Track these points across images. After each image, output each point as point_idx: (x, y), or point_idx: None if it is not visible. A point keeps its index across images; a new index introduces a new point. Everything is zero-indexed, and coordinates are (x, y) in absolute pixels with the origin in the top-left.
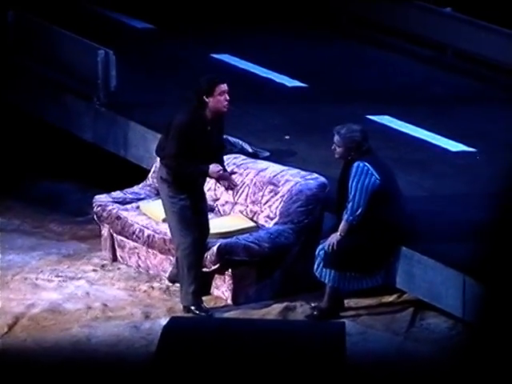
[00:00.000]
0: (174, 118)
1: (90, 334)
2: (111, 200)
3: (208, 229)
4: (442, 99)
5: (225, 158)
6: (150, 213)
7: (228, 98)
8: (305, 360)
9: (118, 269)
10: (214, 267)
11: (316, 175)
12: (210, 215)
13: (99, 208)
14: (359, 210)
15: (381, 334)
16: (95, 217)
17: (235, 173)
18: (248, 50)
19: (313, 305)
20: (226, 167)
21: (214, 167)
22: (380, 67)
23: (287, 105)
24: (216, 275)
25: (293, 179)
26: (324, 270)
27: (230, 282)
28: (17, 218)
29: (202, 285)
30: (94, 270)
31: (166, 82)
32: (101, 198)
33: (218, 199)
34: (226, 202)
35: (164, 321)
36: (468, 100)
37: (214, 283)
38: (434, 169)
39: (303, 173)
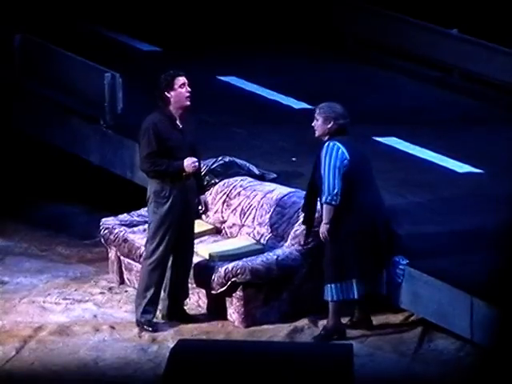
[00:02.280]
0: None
1: (97, 357)
2: (118, 223)
3: (189, 251)
4: (449, 120)
5: (232, 180)
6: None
7: (189, 89)
8: (313, 382)
9: (126, 291)
10: (221, 289)
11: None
12: (217, 237)
13: (106, 231)
14: (335, 190)
15: (388, 355)
16: (102, 239)
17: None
18: (254, 72)
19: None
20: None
21: (188, 160)
22: (387, 89)
23: (294, 127)
24: (224, 297)
25: (300, 201)
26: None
27: (238, 304)
28: (24, 240)
29: (155, 301)
30: (102, 293)
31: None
32: (108, 221)
33: (225, 221)
34: (234, 224)
35: (171, 343)
36: (475, 121)
37: (221, 305)
38: (441, 190)
39: None
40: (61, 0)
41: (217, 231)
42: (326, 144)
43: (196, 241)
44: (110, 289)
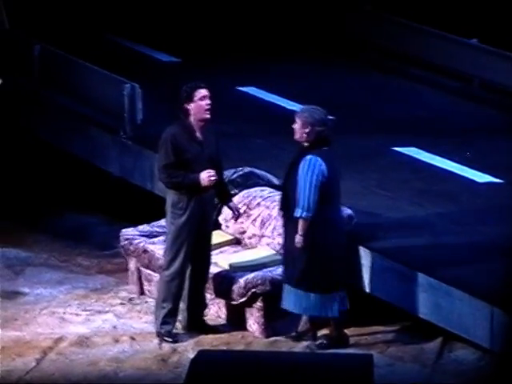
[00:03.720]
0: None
1: (117, 368)
2: (138, 233)
3: (206, 263)
4: (469, 130)
5: (251, 190)
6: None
7: (209, 102)
8: None
9: (146, 302)
10: (241, 300)
11: (343, 207)
12: (237, 248)
13: (126, 241)
14: (311, 205)
15: (409, 365)
16: (122, 250)
17: (239, 213)
18: (274, 83)
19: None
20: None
21: (204, 173)
22: (406, 98)
23: None
24: (244, 308)
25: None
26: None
27: (258, 314)
28: (44, 251)
29: (174, 313)
30: (122, 304)
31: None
32: (128, 232)
33: (244, 232)
34: (253, 235)
35: (192, 354)
36: (494, 131)
37: (241, 316)
38: (461, 200)
39: None
40: (80, 11)
41: (237, 242)
42: (309, 158)
43: (216, 251)
44: (130, 300)
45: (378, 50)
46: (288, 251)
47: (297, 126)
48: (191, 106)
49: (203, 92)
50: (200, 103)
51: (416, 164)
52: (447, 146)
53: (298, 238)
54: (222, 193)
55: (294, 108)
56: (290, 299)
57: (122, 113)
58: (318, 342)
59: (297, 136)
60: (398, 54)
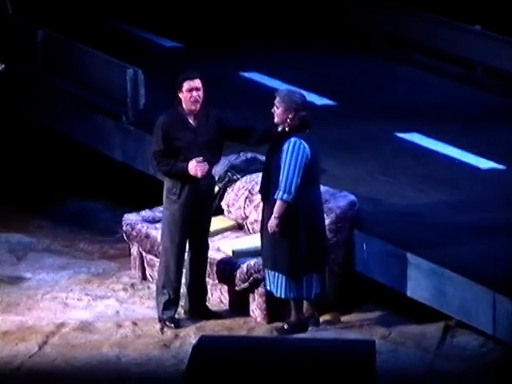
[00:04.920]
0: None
1: (119, 353)
2: (140, 219)
3: (203, 250)
4: (472, 116)
5: (254, 175)
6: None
7: (195, 95)
8: (335, 378)
9: (148, 287)
10: (243, 286)
11: (345, 193)
12: (239, 233)
13: (128, 227)
14: (293, 188)
15: (411, 351)
16: (124, 235)
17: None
18: (277, 68)
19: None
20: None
21: (192, 162)
22: (409, 85)
23: (316, 123)
24: (246, 294)
25: (322, 197)
26: (277, 285)
27: (260, 300)
28: (47, 237)
29: (175, 298)
30: (124, 289)
31: None
32: (130, 217)
33: (247, 217)
34: (256, 221)
35: (194, 339)
36: (497, 117)
37: (243, 302)
38: (464, 186)
39: (332, 190)
40: None
41: (239, 227)
42: (293, 141)
43: (218, 237)
44: (133, 285)
45: (381, 37)
46: (266, 234)
47: (279, 111)
48: (181, 96)
49: (191, 84)
50: (186, 94)
51: (418, 150)
52: (450, 132)
53: (272, 221)
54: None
55: None
56: (268, 281)
57: (124, 98)
58: (279, 327)
59: (278, 120)
60: (400, 40)
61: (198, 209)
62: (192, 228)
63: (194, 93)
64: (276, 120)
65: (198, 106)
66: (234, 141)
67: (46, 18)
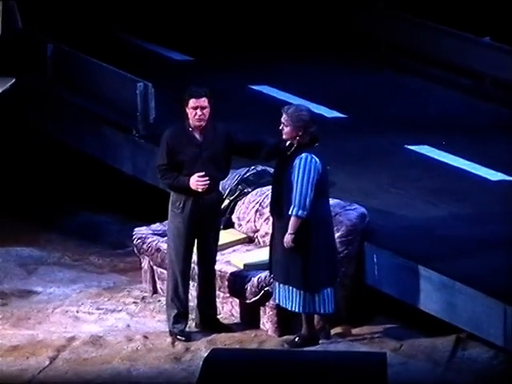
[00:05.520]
0: None
1: (130, 367)
2: (151, 232)
3: (211, 263)
4: (481, 128)
5: (264, 189)
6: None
7: (200, 113)
8: None
9: (159, 301)
10: (254, 299)
11: (356, 205)
12: (250, 246)
13: (139, 240)
14: (307, 203)
15: (422, 364)
16: (135, 249)
17: None
18: (286, 81)
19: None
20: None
21: (193, 177)
22: (419, 97)
23: (326, 135)
24: (257, 307)
25: (332, 210)
26: (291, 299)
27: (271, 313)
28: (57, 250)
29: (185, 311)
30: (135, 303)
31: None
32: (141, 231)
33: (257, 230)
34: (266, 234)
35: (205, 352)
36: (507, 129)
37: (254, 315)
38: (474, 198)
39: (343, 203)
40: (93, 10)
41: (250, 240)
42: (305, 157)
43: (229, 250)
44: (143, 298)
45: (391, 48)
46: (278, 248)
47: (287, 129)
48: (187, 111)
49: (196, 102)
50: (192, 112)
51: (428, 162)
52: (459, 144)
53: (288, 237)
54: (260, 153)
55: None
56: (280, 295)
57: (134, 112)
58: (290, 340)
59: (287, 137)
60: (410, 51)
61: (203, 223)
62: (198, 242)
63: (199, 111)
64: (284, 137)
65: (203, 123)
66: (242, 156)
67: (55, 30)
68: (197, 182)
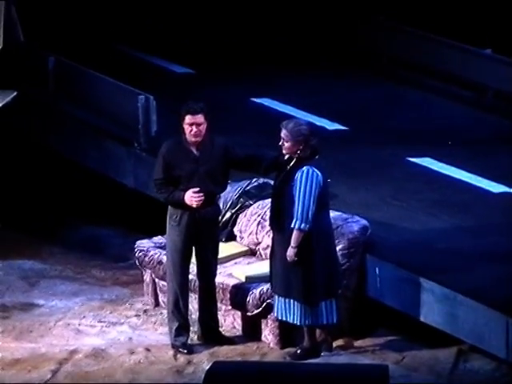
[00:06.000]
0: None
1: (133, 379)
2: (153, 245)
3: (210, 276)
4: (483, 140)
5: (266, 201)
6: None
7: (195, 130)
8: None
9: (161, 314)
10: (256, 311)
11: (357, 218)
12: (252, 259)
13: (141, 253)
14: (309, 216)
15: (424, 376)
16: (137, 262)
17: None
18: (288, 94)
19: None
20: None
21: (188, 193)
22: (420, 109)
23: (328, 148)
24: (259, 319)
25: (334, 222)
26: (292, 312)
27: (273, 325)
28: (59, 263)
29: (186, 322)
30: (137, 315)
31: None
32: (142, 243)
33: (259, 243)
34: (268, 246)
35: (207, 365)
36: (509, 141)
37: (257, 327)
38: (476, 210)
39: (344, 216)
40: (94, 23)
41: (251, 253)
42: (306, 170)
43: (231, 263)
44: (145, 311)
45: (391, 60)
46: (278, 262)
47: (288, 144)
48: (183, 126)
49: (191, 119)
50: (187, 128)
51: (430, 174)
52: (461, 156)
53: (291, 251)
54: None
55: (308, 120)
56: (280, 309)
57: (136, 124)
58: (292, 352)
59: (287, 152)
60: (410, 64)
61: (199, 236)
62: (197, 255)
63: (195, 128)
64: (285, 152)
65: (199, 138)
66: (240, 170)
67: (56, 43)
68: (191, 197)
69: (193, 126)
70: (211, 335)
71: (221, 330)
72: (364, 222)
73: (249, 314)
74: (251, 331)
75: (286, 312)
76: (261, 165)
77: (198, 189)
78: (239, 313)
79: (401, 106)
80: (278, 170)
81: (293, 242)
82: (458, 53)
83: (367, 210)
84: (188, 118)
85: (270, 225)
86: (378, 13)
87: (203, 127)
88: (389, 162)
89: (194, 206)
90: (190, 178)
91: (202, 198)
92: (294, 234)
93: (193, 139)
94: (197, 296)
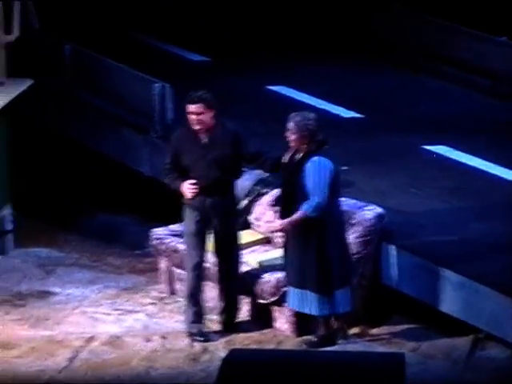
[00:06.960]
0: None
1: (149, 367)
2: (169, 233)
3: (229, 264)
4: (498, 128)
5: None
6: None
7: (194, 118)
8: None
9: (176, 301)
10: (272, 299)
11: (373, 206)
12: (268, 247)
13: (157, 241)
14: (322, 204)
15: (441, 364)
16: (153, 250)
17: None
18: (304, 82)
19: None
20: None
21: (184, 184)
22: (436, 97)
23: (343, 135)
24: (275, 307)
25: (350, 210)
26: (308, 302)
27: (289, 313)
28: (75, 251)
29: (202, 309)
30: (153, 303)
31: (221, 114)
32: (158, 231)
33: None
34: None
35: (223, 353)
36: None
37: (272, 315)
38: (491, 198)
39: (360, 203)
40: (111, 11)
41: (267, 241)
42: (317, 160)
43: (247, 250)
44: (161, 299)
45: (408, 49)
46: (293, 253)
47: (294, 137)
48: None
49: (189, 108)
50: (188, 116)
51: (445, 162)
52: (477, 144)
53: (285, 223)
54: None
55: (324, 107)
56: (295, 300)
57: (152, 112)
58: (308, 340)
59: (294, 145)
60: (427, 52)
61: (213, 225)
62: (215, 243)
63: (193, 116)
64: (292, 145)
65: (201, 127)
66: (245, 163)
67: (72, 31)
68: (185, 188)
69: (191, 115)
70: (227, 323)
71: (237, 317)
72: (380, 209)
73: (265, 301)
74: (267, 319)
75: (301, 303)
76: (266, 163)
77: (194, 181)
78: (255, 301)
79: (417, 94)
80: (287, 163)
81: (292, 219)
82: (473, 40)
83: (383, 197)
84: (187, 107)
85: (280, 217)
86: (395, 1)
87: (204, 117)
88: (405, 150)
89: (189, 196)
90: (197, 165)
91: (196, 191)
92: (299, 214)
93: (196, 127)
94: (214, 284)
